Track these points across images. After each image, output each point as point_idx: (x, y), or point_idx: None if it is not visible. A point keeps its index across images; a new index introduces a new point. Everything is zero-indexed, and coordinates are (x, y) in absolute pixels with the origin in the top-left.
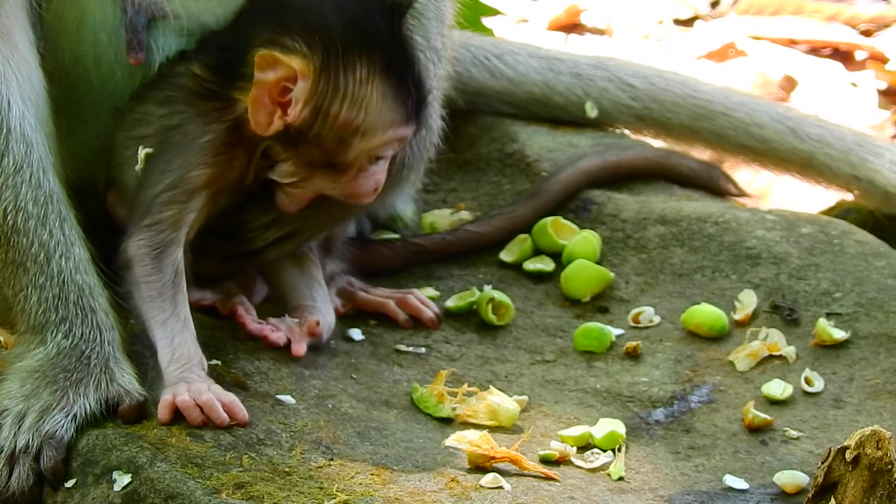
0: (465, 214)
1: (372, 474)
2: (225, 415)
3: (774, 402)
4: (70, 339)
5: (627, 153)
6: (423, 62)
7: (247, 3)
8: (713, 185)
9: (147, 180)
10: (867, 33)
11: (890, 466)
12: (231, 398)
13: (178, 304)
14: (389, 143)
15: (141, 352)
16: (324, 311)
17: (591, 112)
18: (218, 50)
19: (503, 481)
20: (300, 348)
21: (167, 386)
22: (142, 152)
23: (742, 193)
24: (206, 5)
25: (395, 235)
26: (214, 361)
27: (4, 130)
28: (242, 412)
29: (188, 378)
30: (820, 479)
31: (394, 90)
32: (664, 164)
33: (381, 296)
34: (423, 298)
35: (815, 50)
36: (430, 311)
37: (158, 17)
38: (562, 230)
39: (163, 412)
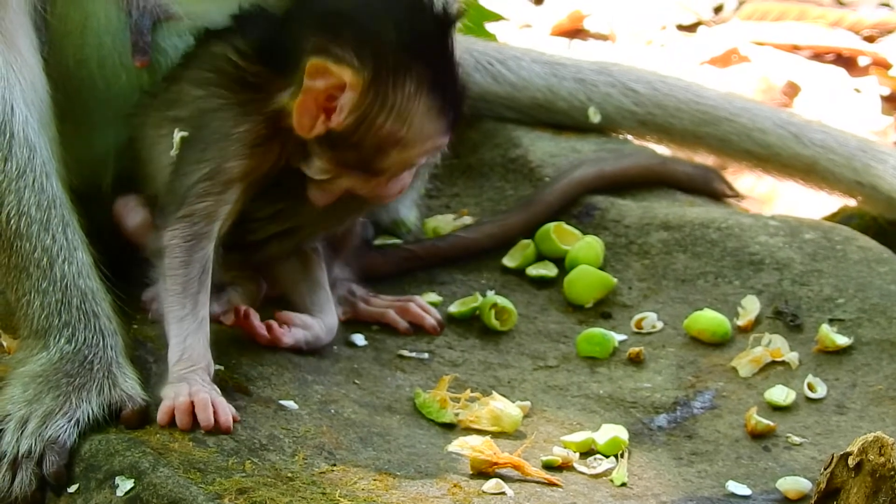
0: (467, 220)
1: (375, 480)
2: (211, 417)
3: (777, 408)
4: (73, 344)
5: (624, 162)
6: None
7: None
8: (710, 189)
9: (182, 168)
10: (870, 39)
11: (893, 473)
12: (221, 403)
13: (199, 302)
14: (425, 153)
15: (144, 357)
16: (325, 313)
17: (595, 117)
18: (263, 41)
19: (506, 487)
20: (287, 339)
21: (169, 384)
22: (177, 136)
23: (737, 195)
24: (211, 6)
25: (397, 241)
26: (218, 366)
27: (7, 135)
28: (227, 418)
29: (191, 379)
30: (823, 486)
31: (438, 104)
32: (660, 171)
33: (382, 305)
34: (425, 305)
35: (818, 56)
36: (431, 319)
37: (163, 19)
38: (565, 236)
39: (161, 416)
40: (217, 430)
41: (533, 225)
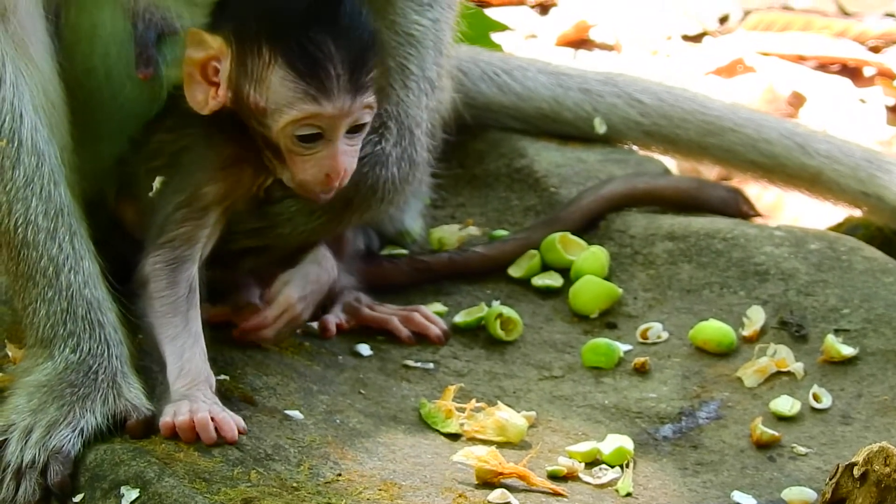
0: (473, 230)
1: (380, 490)
2: (213, 434)
3: (782, 419)
4: (78, 354)
5: (659, 182)
6: (415, 91)
7: None
8: (739, 212)
9: (161, 201)
10: (875, 50)
11: None
12: (223, 418)
13: (191, 319)
14: (303, 121)
15: (149, 367)
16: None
17: (600, 128)
18: None
19: (511, 497)
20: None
21: (171, 402)
22: (157, 182)
23: (760, 215)
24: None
25: (403, 251)
26: (223, 377)
27: (16, 142)
28: (232, 433)
29: (192, 396)
30: (828, 496)
31: (295, 72)
32: (694, 195)
33: (386, 312)
34: (430, 314)
35: (823, 66)
36: (436, 328)
37: (168, 34)
38: (570, 246)
39: (164, 431)
40: (223, 442)
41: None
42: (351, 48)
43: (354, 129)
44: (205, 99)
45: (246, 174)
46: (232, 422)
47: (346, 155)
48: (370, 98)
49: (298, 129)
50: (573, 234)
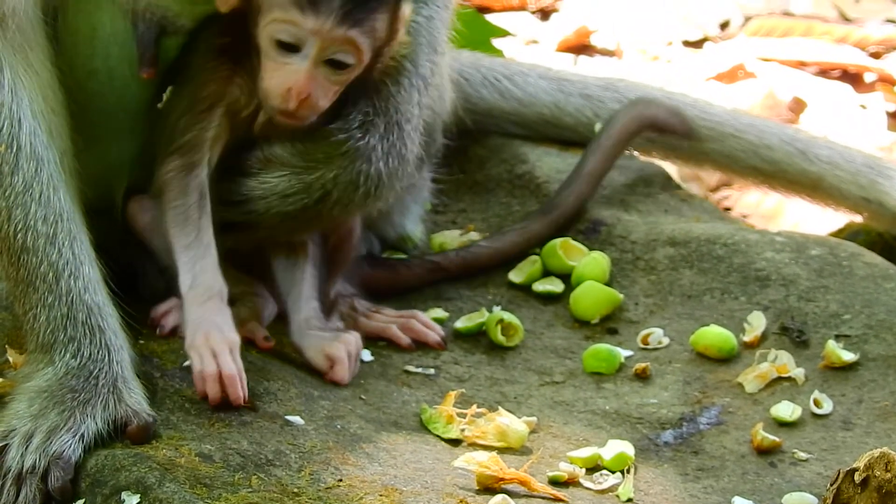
0: (474, 235)
1: (381, 495)
2: (239, 392)
3: (783, 424)
4: (78, 359)
5: (615, 132)
6: (406, 87)
7: None
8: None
9: (166, 111)
10: (876, 55)
11: None
12: (233, 373)
13: (202, 228)
14: (284, 25)
15: (150, 372)
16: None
17: None
18: None
19: (512, 503)
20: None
21: (190, 320)
22: (167, 93)
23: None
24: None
25: (404, 256)
26: None
27: (15, 148)
28: (236, 393)
29: (210, 316)
30: (829, 501)
31: None
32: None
33: (384, 320)
34: (427, 321)
35: (824, 72)
36: (434, 335)
37: (169, 32)
38: (571, 251)
39: (197, 385)
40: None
41: (556, 231)
42: None
43: (335, 65)
44: None
45: (239, 79)
46: (239, 383)
47: (315, 80)
48: (357, 35)
49: (277, 32)
50: (570, 232)
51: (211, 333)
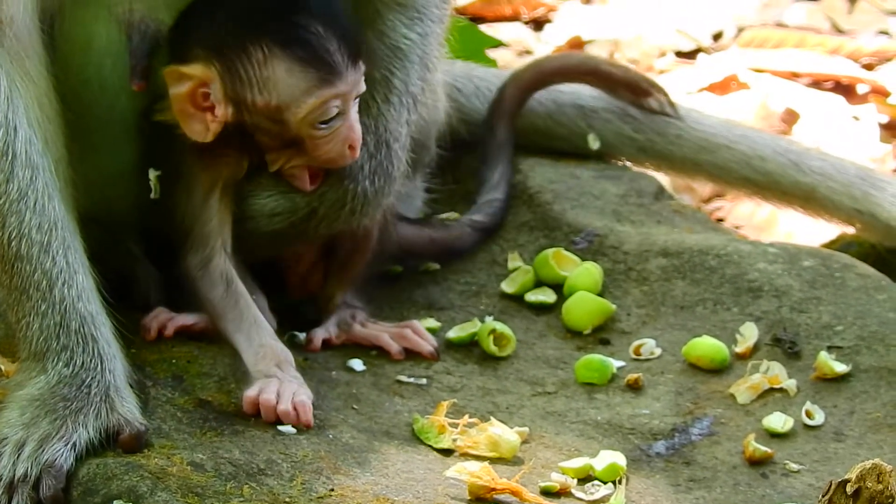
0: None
1: None
2: (292, 413)
3: (775, 435)
4: (71, 368)
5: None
6: (396, 105)
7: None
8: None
9: (168, 205)
10: (869, 67)
11: (891, 500)
12: (304, 403)
13: (243, 309)
14: (322, 107)
15: (143, 381)
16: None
17: (594, 144)
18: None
19: None
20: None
21: (256, 381)
22: (152, 175)
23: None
24: None
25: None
26: (214, 390)
27: (10, 156)
28: (307, 416)
29: (280, 376)
30: None
31: (301, 58)
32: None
33: (378, 329)
34: (422, 331)
35: (817, 83)
36: (427, 345)
37: (163, 44)
38: (563, 262)
39: (248, 400)
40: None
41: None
42: (334, 22)
43: (356, 98)
44: (204, 126)
45: (229, 158)
46: (310, 408)
47: (357, 122)
48: (361, 65)
49: (319, 116)
50: (566, 246)
51: (283, 385)
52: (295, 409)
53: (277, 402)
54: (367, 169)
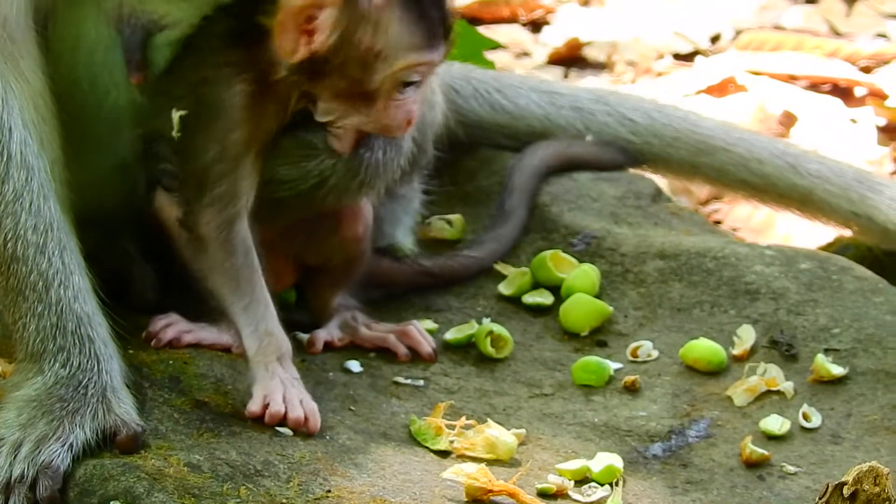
0: None
1: None
2: (302, 418)
3: (772, 438)
4: (67, 369)
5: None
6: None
7: None
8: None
9: (191, 150)
10: (867, 70)
11: (887, 502)
12: (311, 408)
13: (255, 285)
14: (413, 68)
15: (139, 381)
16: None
17: None
18: None
19: None
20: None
21: (259, 379)
22: (175, 115)
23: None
24: (202, 12)
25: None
26: (211, 391)
27: (5, 157)
28: (315, 423)
29: (282, 375)
30: None
31: (415, 15)
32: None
33: (383, 330)
34: (423, 332)
35: (814, 86)
36: (427, 346)
37: (155, 34)
38: (561, 264)
39: (254, 408)
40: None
41: (522, 231)
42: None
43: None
44: (295, 47)
45: (272, 111)
46: (317, 413)
47: (422, 100)
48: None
49: (408, 75)
50: (564, 248)
51: (288, 391)
52: (306, 417)
53: (286, 412)
54: (380, 139)
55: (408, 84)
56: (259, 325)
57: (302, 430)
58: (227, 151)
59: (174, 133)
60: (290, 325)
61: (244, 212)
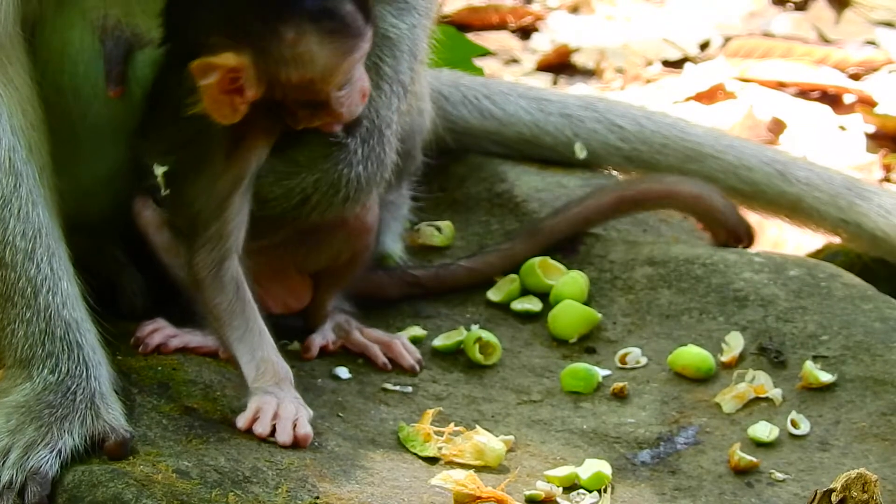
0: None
1: None
2: (290, 434)
3: (760, 445)
4: (56, 375)
5: (651, 186)
6: (387, 93)
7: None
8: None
9: (179, 203)
10: (856, 77)
11: None
12: (304, 426)
13: (248, 317)
14: (351, 67)
15: (128, 388)
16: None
17: (581, 153)
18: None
19: None
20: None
21: (254, 397)
22: (158, 171)
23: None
24: None
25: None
26: (199, 398)
27: None
28: (305, 438)
29: (278, 395)
30: None
31: (329, 28)
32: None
33: (372, 337)
34: (409, 346)
35: (803, 93)
36: (409, 359)
37: (137, 49)
38: (549, 270)
39: (240, 422)
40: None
41: (533, 255)
42: None
43: None
44: (232, 109)
45: (255, 147)
46: (310, 431)
47: (364, 70)
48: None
49: (345, 77)
50: (554, 253)
51: (282, 409)
52: (295, 440)
53: (274, 432)
54: (360, 154)
55: (350, 77)
56: (255, 352)
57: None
58: (213, 198)
59: (163, 191)
60: (283, 331)
61: (233, 250)
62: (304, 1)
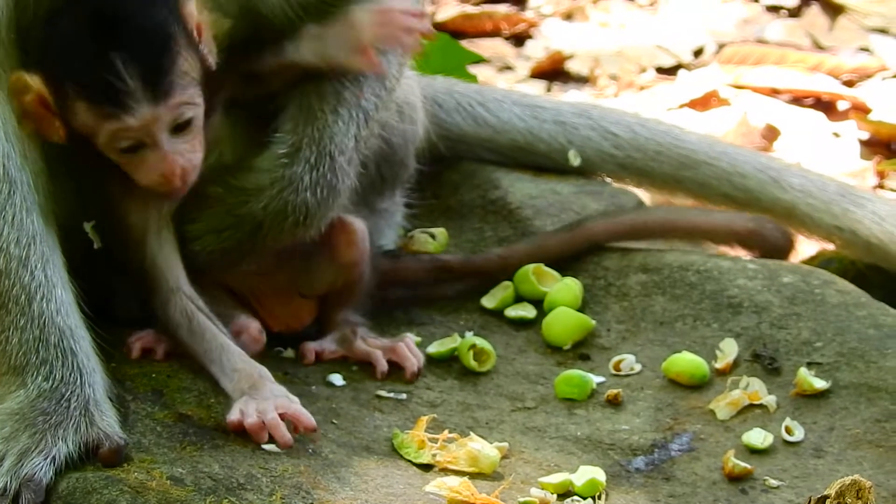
0: None
1: None
2: (288, 434)
3: (755, 451)
4: (50, 382)
5: (689, 214)
6: (345, 118)
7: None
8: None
9: (110, 253)
10: (850, 84)
11: None
12: (295, 409)
13: (209, 340)
14: (120, 136)
15: (122, 395)
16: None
17: (575, 160)
18: None
19: None
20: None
21: (236, 402)
22: (87, 227)
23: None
24: None
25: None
26: (194, 405)
27: None
28: (308, 420)
29: (258, 394)
30: None
31: (89, 98)
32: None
33: (375, 345)
34: (414, 349)
35: (797, 99)
36: (413, 365)
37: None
38: (543, 277)
39: (231, 417)
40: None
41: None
42: (142, 60)
43: (180, 128)
44: (55, 129)
45: (147, 192)
46: (306, 412)
47: (178, 154)
48: (182, 96)
49: (117, 143)
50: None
51: (262, 404)
52: (284, 417)
53: (264, 421)
54: (307, 180)
55: (129, 150)
56: (224, 366)
57: (295, 437)
58: (134, 243)
59: (95, 247)
60: (300, 338)
61: (175, 289)
62: (81, 63)
